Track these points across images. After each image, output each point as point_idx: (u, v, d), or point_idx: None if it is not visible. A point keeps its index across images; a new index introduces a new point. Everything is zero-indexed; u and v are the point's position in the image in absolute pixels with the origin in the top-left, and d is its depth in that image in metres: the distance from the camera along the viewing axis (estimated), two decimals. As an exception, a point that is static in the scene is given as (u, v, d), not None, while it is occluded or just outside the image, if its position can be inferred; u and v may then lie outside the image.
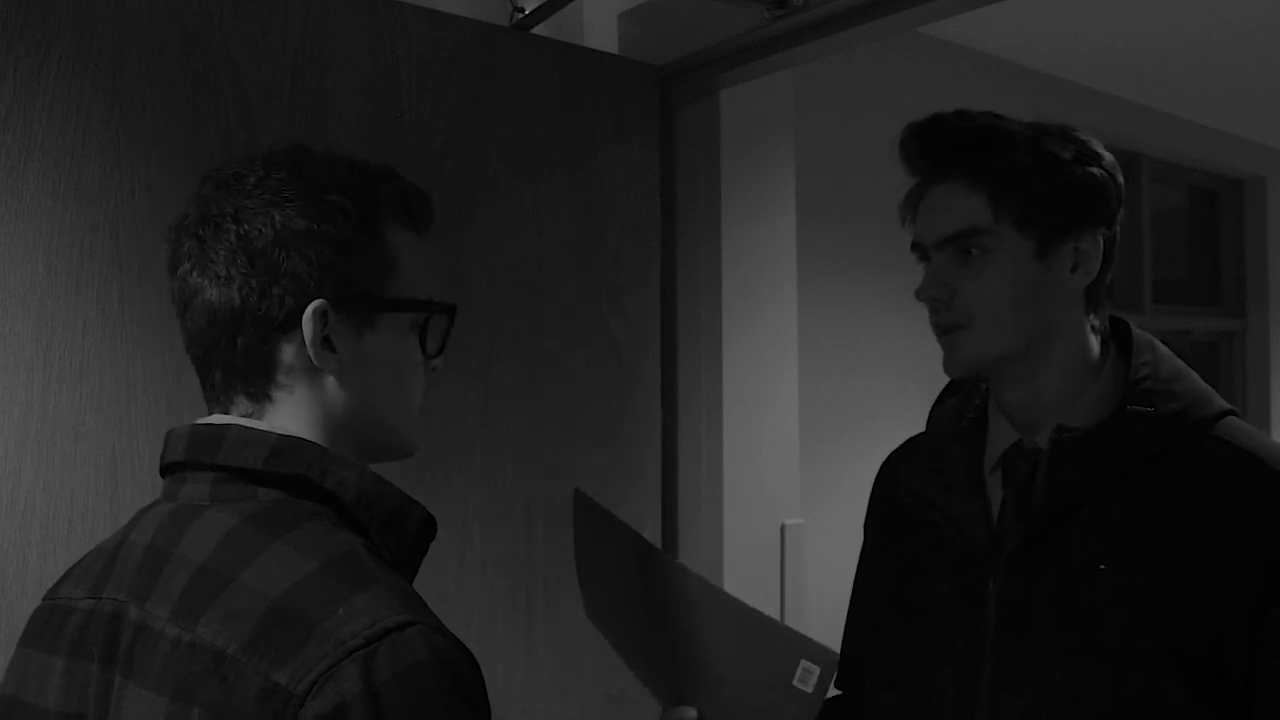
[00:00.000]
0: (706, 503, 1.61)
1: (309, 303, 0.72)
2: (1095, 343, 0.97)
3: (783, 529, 1.65)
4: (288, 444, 0.72)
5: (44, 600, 0.78)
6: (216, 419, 0.75)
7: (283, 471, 0.71)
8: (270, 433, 0.72)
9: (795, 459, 1.71)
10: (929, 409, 1.12)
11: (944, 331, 0.97)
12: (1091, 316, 0.97)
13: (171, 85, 1.14)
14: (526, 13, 1.42)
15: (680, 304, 1.64)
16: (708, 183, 1.61)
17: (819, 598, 1.94)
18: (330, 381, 0.75)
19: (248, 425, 0.73)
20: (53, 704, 0.70)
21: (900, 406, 2.29)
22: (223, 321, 0.73)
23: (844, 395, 2.25)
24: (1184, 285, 3.70)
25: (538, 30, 1.47)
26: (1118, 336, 1.00)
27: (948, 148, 0.95)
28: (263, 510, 0.70)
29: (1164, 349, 0.97)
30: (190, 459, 0.73)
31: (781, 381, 1.69)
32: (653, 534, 1.57)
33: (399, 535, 0.74)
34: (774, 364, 1.67)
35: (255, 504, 0.70)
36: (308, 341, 0.73)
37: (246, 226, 0.72)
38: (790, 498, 1.68)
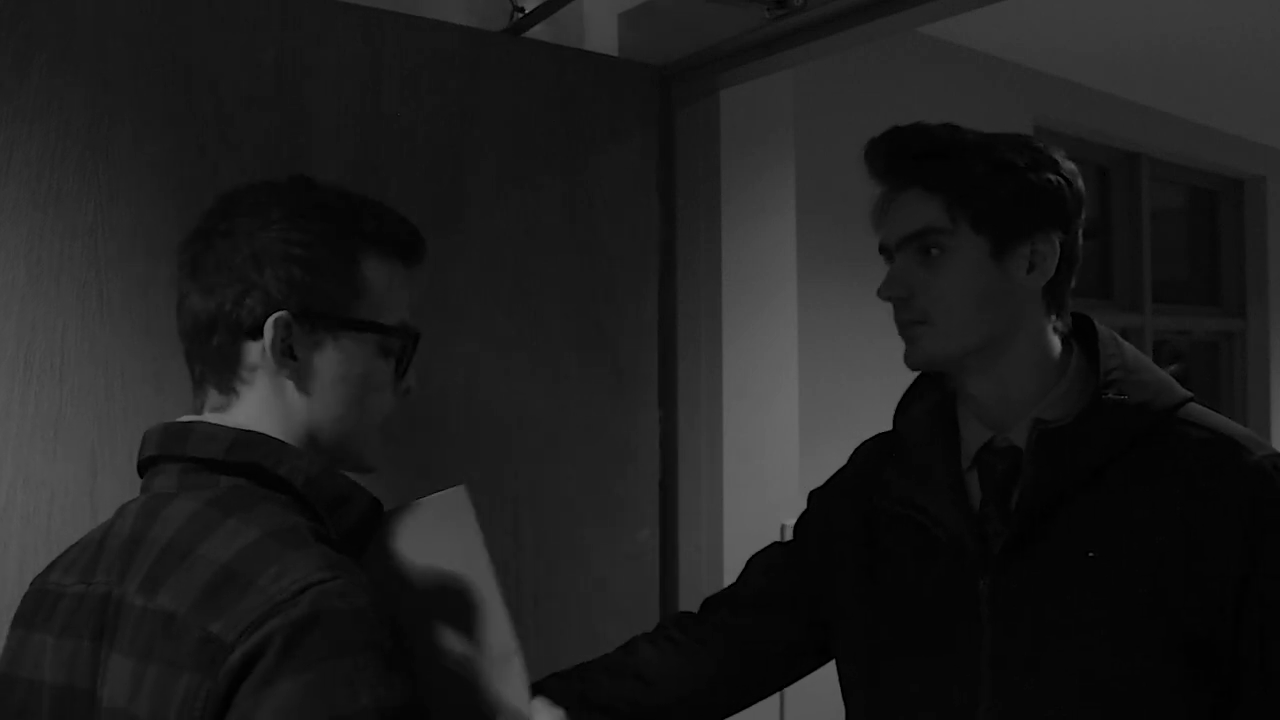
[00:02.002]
0: (706, 503, 1.61)
1: (272, 313, 0.80)
2: (1056, 342, 1.00)
3: (783, 529, 1.65)
4: (245, 437, 0.80)
5: (33, 586, 0.86)
6: (185, 418, 0.83)
7: (242, 460, 0.78)
8: (232, 428, 0.80)
9: (795, 459, 1.71)
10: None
11: (905, 327, 1.00)
12: (1054, 318, 1.00)
13: (152, 95, 1.16)
14: (526, 13, 1.42)
15: (680, 304, 1.64)
16: (708, 183, 1.61)
17: (819, 598, 1.94)
18: (290, 385, 0.82)
19: (213, 422, 0.82)
20: (47, 678, 0.78)
21: (900, 406, 2.27)
22: (203, 324, 0.82)
23: (844, 395, 2.25)
24: (1184, 285, 3.70)
25: (538, 30, 1.47)
26: (1079, 333, 1.02)
27: (907, 157, 0.99)
28: (223, 494, 0.77)
29: (1124, 341, 1.00)
30: (162, 453, 0.81)
31: (781, 381, 1.69)
32: (648, 534, 1.57)
33: (344, 517, 0.81)
34: (774, 364, 1.67)
35: (216, 490, 0.78)
36: (267, 346, 0.80)
37: (232, 243, 0.81)
38: (790, 498, 1.68)
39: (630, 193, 1.54)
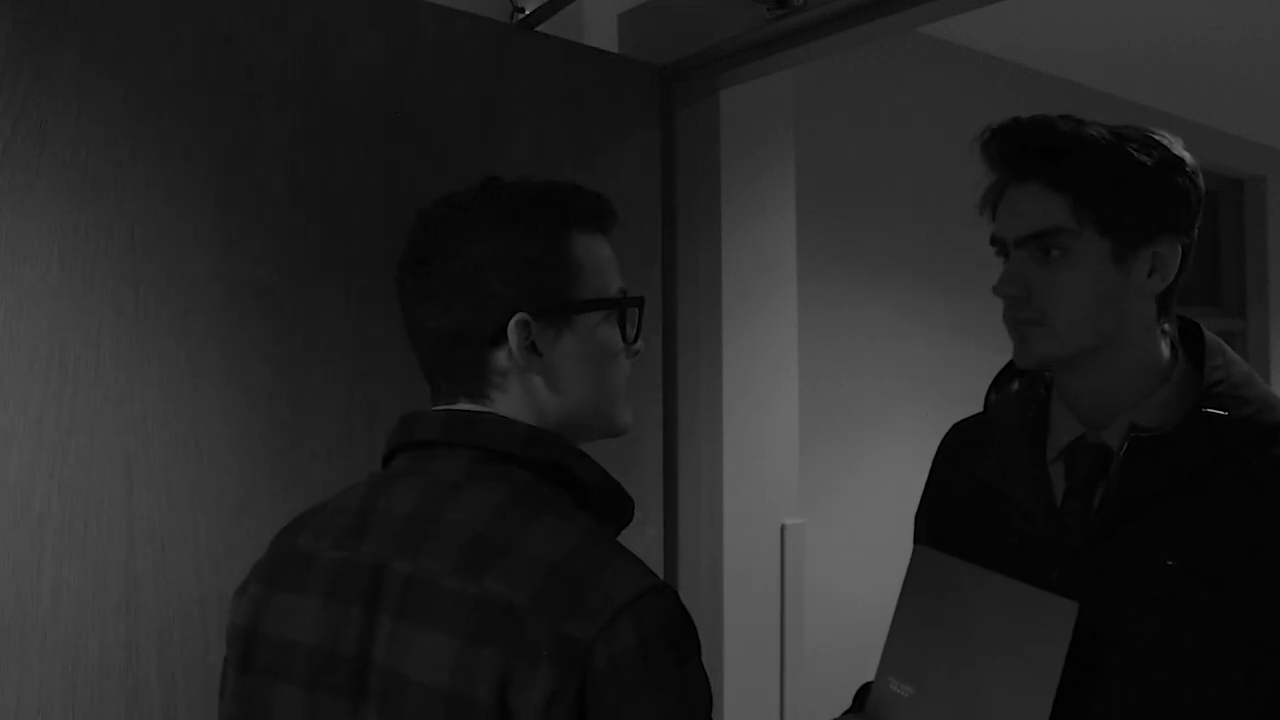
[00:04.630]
0: (706, 503, 1.61)
1: (512, 316, 0.84)
2: (1165, 345, 0.99)
3: (783, 529, 1.66)
4: (536, 433, 0.84)
5: (276, 546, 0.90)
6: (465, 406, 0.86)
7: (541, 457, 0.83)
8: (519, 422, 0.84)
9: (795, 458, 1.71)
10: (982, 395, 1.12)
11: (1017, 326, 0.98)
12: (1162, 320, 0.99)
13: (182, 80, 1.13)
14: (527, 13, 1.42)
15: (680, 304, 1.64)
16: (708, 183, 1.61)
17: (819, 597, 1.95)
18: (539, 380, 0.86)
19: (499, 414, 0.85)
20: (306, 638, 0.81)
21: (900, 406, 2.29)
22: (444, 341, 0.86)
23: (844, 395, 2.25)
24: (1184, 285, 3.69)
25: (539, 30, 1.47)
26: (1186, 338, 1.01)
27: (1029, 150, 0.96)
28: (521, 489, 0.81)
29: (1233, 353, 0.99)
30: (446, 438, 0.84)
31: (781, 381, 1.69)
32: (654, 534, 1.57)
33: (619, 519, 0.89)
34: (774, 364, 1.67)
35: (513, 483, 0.81)
36: (514, 349, 0.84)
37: (455, 261, 0.85)
38: (790, 497, 1.69)
39: (630, 192, 1.54)
